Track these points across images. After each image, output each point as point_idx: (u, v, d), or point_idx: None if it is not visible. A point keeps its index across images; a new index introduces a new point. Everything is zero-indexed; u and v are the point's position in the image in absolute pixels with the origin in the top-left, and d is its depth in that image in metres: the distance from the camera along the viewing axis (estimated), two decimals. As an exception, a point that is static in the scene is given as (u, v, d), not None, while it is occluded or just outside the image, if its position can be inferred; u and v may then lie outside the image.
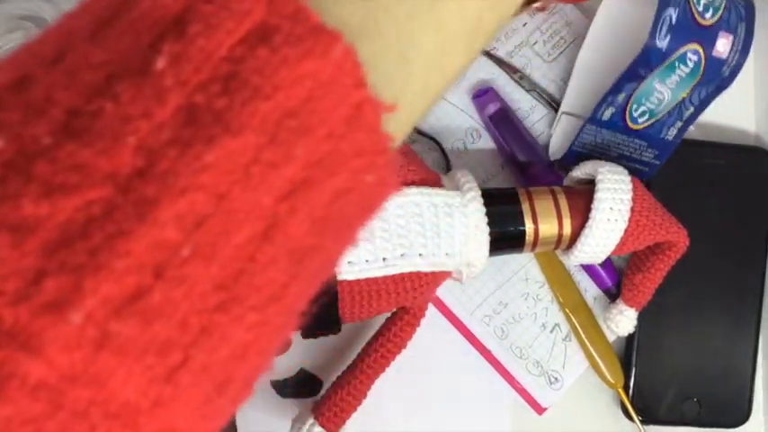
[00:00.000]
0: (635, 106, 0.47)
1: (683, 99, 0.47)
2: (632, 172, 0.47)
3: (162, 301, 0.16)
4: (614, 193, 0.45)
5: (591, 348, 0.53)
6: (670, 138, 0.50)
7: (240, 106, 0.16)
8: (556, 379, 0.54)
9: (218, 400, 0.18)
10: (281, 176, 0.17)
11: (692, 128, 0.55)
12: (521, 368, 0.53)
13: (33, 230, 0.15)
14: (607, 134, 0.49)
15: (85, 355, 0.15)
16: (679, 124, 0.49)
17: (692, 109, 0.49)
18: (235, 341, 0.18)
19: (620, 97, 0.47)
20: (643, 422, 0.53)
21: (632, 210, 0.46)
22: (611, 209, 0.45)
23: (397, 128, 0.21)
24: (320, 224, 0.19)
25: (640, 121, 0.48)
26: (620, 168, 0.47)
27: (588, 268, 0.54)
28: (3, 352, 0.15)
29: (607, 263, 0.53)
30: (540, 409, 0.54)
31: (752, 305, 0.54)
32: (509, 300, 0.54)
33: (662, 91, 0.46)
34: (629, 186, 0.46)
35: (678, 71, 0.45)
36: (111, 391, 0.16)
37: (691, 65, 0.45)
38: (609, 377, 0.53)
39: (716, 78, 0.47)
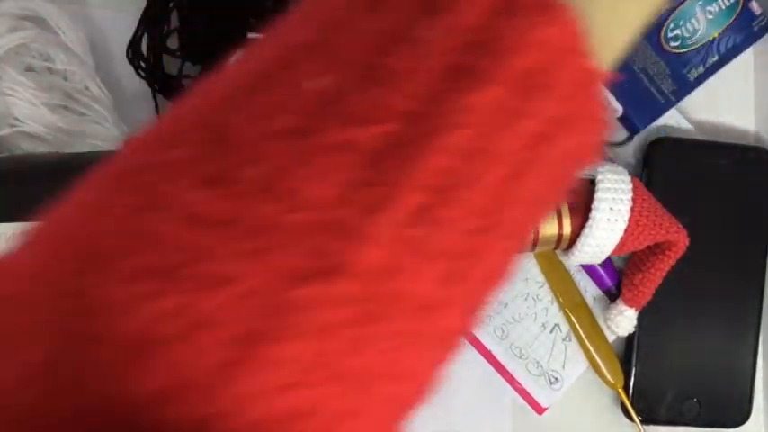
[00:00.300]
0: (672, 25, 0.52)
1: (714, 40, 0.53)
2: (646, 97, 0.50)
3: (445, 215, 0.20)
4: (614, 193, 0.45)
5: (591, 348, 0.53)
6: (691, 78, 0.53)
7: (491, 63, 0.20)
8: (556, 379, 0.54)
9: (471, 314, 0.22)
10: (525, 127, 0.20)
11: (692, 128, 0.55)
12: (521, 368, 0.53)
13: (354, 149, 0.19)
14: (641, 39, 0.51)
15: (393, 251, 0.19)
16: (701, 69, 0.53)
17: (716, 57, 0.53)
18: (488, 263, 0.22)
19: (665, 7, 0.51)
20: (643, 422, 0.53)
21: (632, 210, 0.46)
22: (611, 209, 0.45)
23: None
24: (553, 178, 0.22)
25: (672, 44, 0.53)
26: (620, 168, 0.47)
27: (588, 268, 0.54)
28: (337, 243, 0.19)
29: (607, 263, 0.53)
30: (540, 409, 0.54)
31: (752, 305, 0.54)
32: (509, 300, 0.54)
33: (699, 20, 0.53)
34: (629, 186, 0.46)
35: (720, 0, 0.53)
36: (409, 286, 0.19)
37: (732, 1, 0.53)
38: (609, 377, 0.53)
39: (746, 29, 0.53)
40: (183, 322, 0.18)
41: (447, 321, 0.21)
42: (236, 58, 0.22)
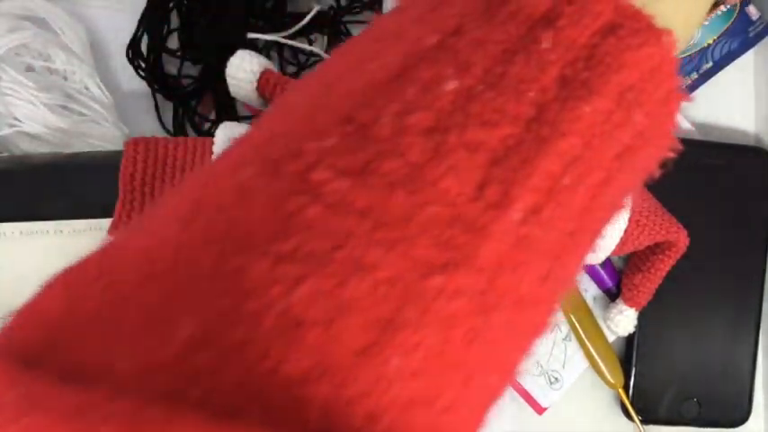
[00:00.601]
0: None
1: (708, 46, 0.52)
2: None
3: (549, 216, 0.21)
4: (614, 193, 0.45)
5: (591, 348, 0.53)
6: (683, 86, 0.52)
7: (598, 77, 0.21)
8: (556, 379, 0.54)
9: (552, 313, 0.23)
10: (620, 138, 0.22)
11: (692, 128, 0.55)
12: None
13: (482, 149, 0.20)
14: None
15: (510, 248, 0.20)
16: (695, 76, 0.53)
17: (710, 63, 0.52)
18: (570, 263, 0.23)
19: None
20: (643, 422, 0.53)
21: (632, 210, 0.46)
22: (611, 209, 0.45)
23: None
24: (626, 187, 0.24)
25: None
26: (620, 168, 0.47)
27: (588, 268, 0.54)
28: (464, 236, 0.20)
29: (607, 263, 0.53)
30: (540, 409, 0.54)
31: (752, 305, 0.54)
32: (509, 300, 0.53)
33: None
34: (629, 186, 0.46)
35: (716, 7, 0.51)
36: (517, 282, 0.21)
37: (728, 6, 0.52)
38: (609, 377, 0.53)
39: (742, 34, 0.53)
40: (329, 306, 0.18)
41: (538, 318, 0.22)
42: (355, 40, 0.24)
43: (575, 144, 0.21)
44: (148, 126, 0.53)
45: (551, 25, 0.21)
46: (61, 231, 0.43)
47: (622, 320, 0.51)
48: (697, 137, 0.55)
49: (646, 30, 0.22)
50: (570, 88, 0.21)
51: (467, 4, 0.22)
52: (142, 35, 0.52)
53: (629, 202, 0.45)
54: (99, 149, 0.49)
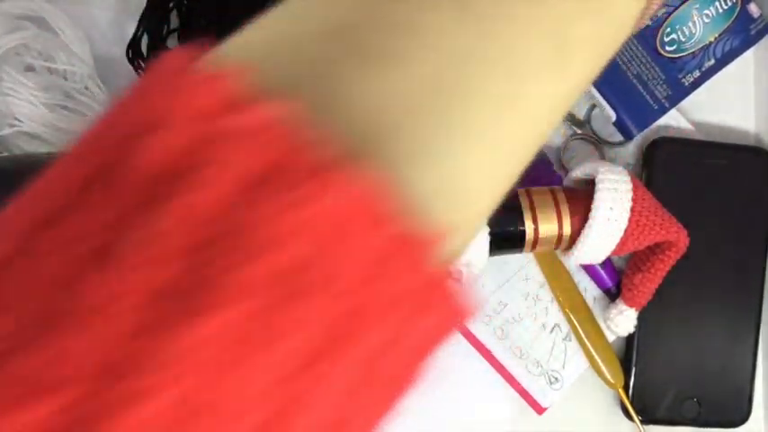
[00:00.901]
0: (668, 30, 0.52)
1: (710, 44, 0.52)
2: (640, 103, 0.50)
3: None
4: (614, 194, 0.45)
5: (591, 348, 0.53)
6: (686, 83, 0.53)
7: (227, 273, 0.13)
8: (556, 379, 0.54)
9: None
10: (283, 352, 0.14)
11: (692, 128, 0.55)
12: (521, 368, 0.53)
13: None
14: (636, 45, 0.52)
15: None
16: (697, 74, 0.53)
17: (713, 61, 0.53)
18: None
19: (661, 12, 0.52)
20: (643, 422, 0.53)
21: (632, 210, 0.46)
22: (610, 209, 0.45)
23: (457, 245, 0.18)
24: (359, 386, 0.16)
25: (668, 48, 0.52)
26: (620, 168, 0.47)
27: (588, 268, 0.54)
28: None
29: (607, 263, 0.53)
30: (540, 409, 0.54)
31: (752, 305, 0.54)
32: (509, 300, 0.54)
33: (696, 23, 0.52)
34: (629, 186, 0.46)
35: (717, 4, 0.52)
36: None
37: (729, 4, 0.53)
38: (609, 377, 0.53)
39: (743, 32, 0.53)
40: None
41: None
42: None
43: (169, 400, 0.13)
44: (148, 126, 0.53)
45: (163, 193, 0.13)
46: (61, 231, 0.43)
47: (622, 320, 0.51)
48: (697, 137, 0.55)
49: (319, 170, 0.14)
50: (172, 304, 0.13)
51: (66, 179, 0.14)
52: (142, 35, 0.52)
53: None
54: (99, 149, 0.49)
